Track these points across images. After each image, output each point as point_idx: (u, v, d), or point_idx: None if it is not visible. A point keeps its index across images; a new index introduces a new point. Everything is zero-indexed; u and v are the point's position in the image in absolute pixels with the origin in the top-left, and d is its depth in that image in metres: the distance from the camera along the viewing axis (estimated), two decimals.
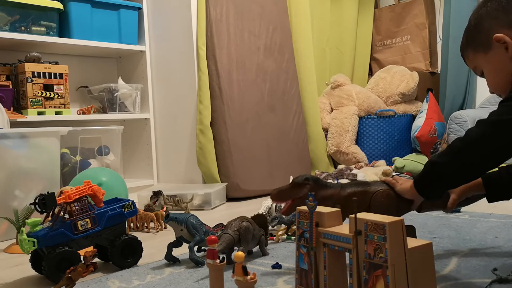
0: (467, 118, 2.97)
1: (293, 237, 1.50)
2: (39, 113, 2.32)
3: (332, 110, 3.29)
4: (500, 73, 1.04)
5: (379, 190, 1.11)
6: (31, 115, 2.29)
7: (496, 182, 1.22)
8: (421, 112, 3.08)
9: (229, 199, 2.50)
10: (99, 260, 1.37)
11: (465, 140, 0.98)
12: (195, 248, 1.30)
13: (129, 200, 1.37)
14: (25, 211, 1.52)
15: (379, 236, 0.79)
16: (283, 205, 1.16)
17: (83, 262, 1.10)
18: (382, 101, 3.31)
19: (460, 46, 1.17)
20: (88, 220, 1.27)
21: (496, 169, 1.28)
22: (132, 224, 1.84)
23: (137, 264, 1.32)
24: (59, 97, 2.40)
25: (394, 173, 2.78)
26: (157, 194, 2.05)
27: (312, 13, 3.24)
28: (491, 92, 1.11)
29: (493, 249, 1.29)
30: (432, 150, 2.99)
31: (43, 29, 2.39)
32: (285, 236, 1.52)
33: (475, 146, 0.96)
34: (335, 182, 2.63)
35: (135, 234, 1.60)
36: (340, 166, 2.96)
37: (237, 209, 2.24)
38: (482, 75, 1.13)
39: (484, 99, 3.28)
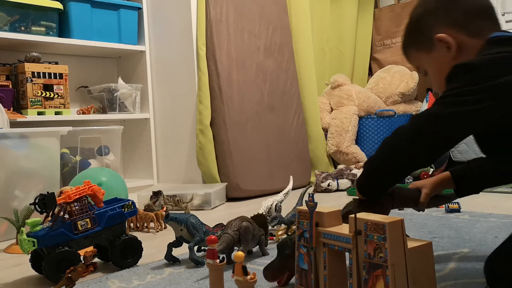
0: None
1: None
2: (39, 113, 2.32)
3: (332, 110, 3.30)
4: (443, 72, 1.01)
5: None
6: (31, 115, 2.28)
7: (465, 177, 1.21)
8: None
9: (229, 199, 2.50)
10: (99, 260, 1.37)
11: (395, 137, 0.95)
12: (195, 248, 1.30)
13: (129, 200, 1.37)
14: (25, 211, 1.52)
15: (379, 236, 0.79)
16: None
17: (83, 262, 1.10)
18: (382, 101, 3.31)
19: (402, 44, 1.15)
20: (88, 220, 1.27)
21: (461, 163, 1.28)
22: (132, 224, 1.84)
23: (137, 264, 1.32)
24: (59, 97, 2.40)
25: None
26: (157, 194, 2.05)
27: (312, 13, 3.24)
28: (436, 91, 1.10)
29: (493, 249, 1.29)
30: None
31: (43, 29, 2.39)
32: (285, 236, 1.52)
33: (410, 143, 0.93)
34: (334, 182, 2.63)
35: (135, 234, 1.60)
36: (340, 166, 2.96)
37: (237, 209, 2.24)
38: (425, 75, 1.12)
39: None
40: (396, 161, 0.96)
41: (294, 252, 1.01)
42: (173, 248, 1.32)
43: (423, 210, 1.25)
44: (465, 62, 0.94)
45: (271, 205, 1.70)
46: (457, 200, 1.61)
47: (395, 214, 0.93)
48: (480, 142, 1.05)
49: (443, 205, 1.85)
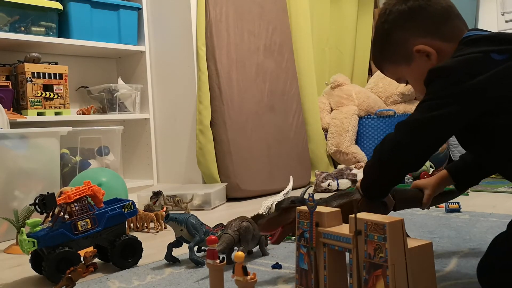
0: None
1: (293, 237, 1.50)
2: (39, 114, 2.32)
3: (332, 110, 3.30)
4: None
5: (361, 198, 1.09)
6: (31, 115, 2.28)
7: (463, 171, 1.23)
8: None
9: (229, 199, 2.50)
10: (99, 260, 1.37)
11: (384, 146, 1.00)
12: (195, 248, 1.30)
13: (129, 200, 1.37)
14: (25, 211, 1.52)
15: (379, 236, 0.79)
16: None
17: (83, 262, 1.10)
18: (382, 101, 3.31)
19: (373, 59, 1.18)
20: (88, 220, 1.27)
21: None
22: (132, 225, 1.84)
23: (137, 264, 1.32)
24: (59, 97, 2.40)
25: None
26: (157, 194, 2.05)
27: (312, 13, 3.24)
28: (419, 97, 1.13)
29: None
30: None
31: (42, 29, 2.39)
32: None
33: (394, 152, 0.98)
34: (334, 182, 2.63)
35: (135, 234, 1.60)
36: (340, 166, 2.96)
37: (237, 209, 2.24)
38: (406, 84, 1.15)
39: None
40: (386, 169, 1.01)
41: (290, 208, 1.05)
42: (173, 248, 1.32)
43: (428, 208, 1.28)
44: (438, 66, 0.97)
45: (271, 205, 1.70)
46: (457, 200, 1.61)
47: (395, 214, 0.93)
48: (462, 145, 1.08)
49: (443, 205, 1.86)
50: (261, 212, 1.64)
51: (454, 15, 1.06)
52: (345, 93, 3.24)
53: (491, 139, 0.97)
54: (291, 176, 1.91)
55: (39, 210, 1.22)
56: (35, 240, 1.18)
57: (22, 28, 2.33)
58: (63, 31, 2.51)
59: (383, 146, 1.00)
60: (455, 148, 2.94)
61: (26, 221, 1.29)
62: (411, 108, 3.28)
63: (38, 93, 2.32)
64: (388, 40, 1.10)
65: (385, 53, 1.13)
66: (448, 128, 0.95)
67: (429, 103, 0.95)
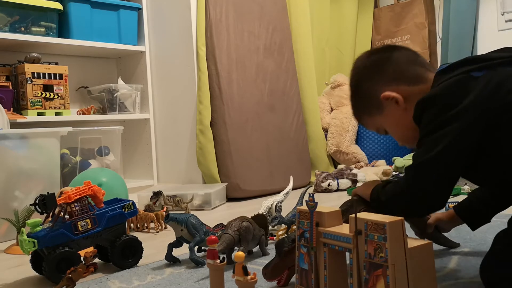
0: None
1: None
2: (39, 114, 2.32)
3: (332, 110, 3.30)
4: (402, 126, 1.05)
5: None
6: (31, 115, 2.28)
7: (472, 211, 1.23)
8: None
9: (229, 199, 2.50)
10: (99, 260, 1.37)
11: (397, 197, 0.99)
12: (195, 248, 1.30)
13: (129, 200, 1.37)
14: (25, 211, 1.52)
15: (379, 236, 0.79)
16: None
17: (83, 262, 1.10)
18: None
19: (353, 114, 1.20)
20: (88, 220, 1.27)
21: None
22: (132, 225, 1.84)
23: (138, 264, 1.32)
24: (59, 97, 2.40)
25: (394, 173, 2.78)
26: (157, 195, 2.05)
27: (312, 13, 3.24)
28: (403, 145, 1.14)
29: None
30: None
31: (42, 29, 2.39)
32: (285, 236, 1.52)
33: (420, 200, 0.96)
34: (335, 182, 2.63)
35: (135, 234, 1.60)
36: (340, 166, 2.96)
37: (237, 209, 2.24)
38: (386, 133, 1.16)
39: None
40: (411, 210, 1.00)
41: (292, 249, 1.01)
42: (174, 248, 1.32)
43: (419, 236, 1.28)
44: (424, 97, 0.96)
45: (271, 205, 1.70)
46: (457, 200, 1.61)
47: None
48: (472, 177, 1.05)
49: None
50: (261, 212, 1.64)
51: (418, 62, 1.08)
52: (345, 93, 3.24)
53: (501, 152, 0.94)
54: (291, 176, 1.90)
55: (39, 210, 1.22)
56: (35, 240, 1.18)
57: (22, 28, 2.33)
58: (63, 31, 2.51)
59: (397, 195, 0.99)
60: None
61: (26, 221, 1.29)
62: None
63: (38, 93, 2.32)
64: (359, 93, 1.13)
65: (359, 106, 1.15)
66: (459, 155, 0.93)
67: (430, 138, 0.93)
